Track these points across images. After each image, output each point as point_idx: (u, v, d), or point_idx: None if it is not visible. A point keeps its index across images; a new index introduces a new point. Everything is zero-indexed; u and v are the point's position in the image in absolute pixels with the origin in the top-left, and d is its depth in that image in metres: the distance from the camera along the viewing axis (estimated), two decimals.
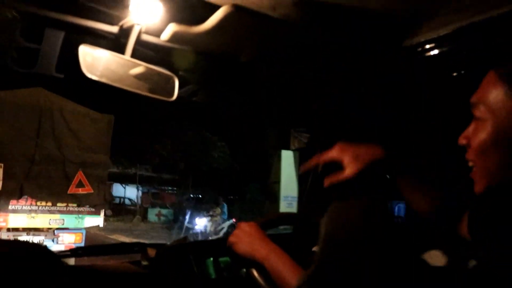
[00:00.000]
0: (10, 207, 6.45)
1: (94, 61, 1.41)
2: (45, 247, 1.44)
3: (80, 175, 6.63)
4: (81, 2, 1.34)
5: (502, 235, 0.72)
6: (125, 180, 24.40)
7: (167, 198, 25.51)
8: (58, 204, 6.70)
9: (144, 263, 1.60)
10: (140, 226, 19.84)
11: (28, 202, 6.62)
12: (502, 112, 0.81)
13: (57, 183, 6.49)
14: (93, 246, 2.17)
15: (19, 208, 6.57)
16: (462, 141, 0.89)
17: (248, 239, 1.26)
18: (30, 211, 6.66)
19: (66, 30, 1.43)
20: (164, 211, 22.15)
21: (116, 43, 1.46)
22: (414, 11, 1.38)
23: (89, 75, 1.39)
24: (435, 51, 1.47)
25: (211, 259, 1.60)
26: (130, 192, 25.73)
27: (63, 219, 6.70)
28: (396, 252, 0.93)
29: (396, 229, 0.97)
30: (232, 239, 1.30)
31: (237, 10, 1.36)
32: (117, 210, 21.51)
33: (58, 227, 6.62)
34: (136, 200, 24.75)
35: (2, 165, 6.05)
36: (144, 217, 21.94)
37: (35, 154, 6.38)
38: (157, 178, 24.72)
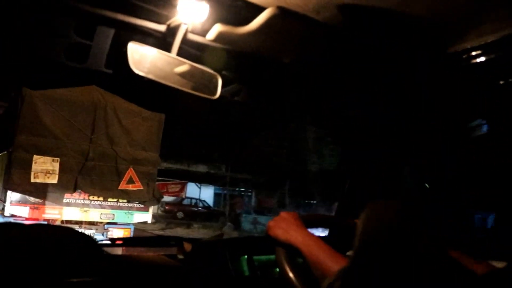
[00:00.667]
0: (64, 201, 6.89)
1: (142, 58, 1.50)
2: (89, 236, 1.54)
3: (130, 172, 6.84)
4: (131, 1, 1.42)
5: None
6: (208, 180, 22.74)
7: (264, 202, 23.31)
8: (109, 199, 7.07)
9: (180, 256, 1.68)
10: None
11: (82, 196, 7.01)
12: None
13: (109, 179, 6.73)
14: (132, 237, 2.29)
15: (72, 202, 7.01)
16: None
17: (285, 225, 1.28)
18: (83, 205, 7.05)
19: (116, 28, 1.53)
20: (262, 219, 19.24)
21: (163, 41, 1.55)
22: (460, 17, 1.37)
23: (136, 71, 1.48)
24: (482, 58, 1.45)
25: (246, 256, 1.65)
26: (205, 194, 24.20)
27: (113, 214, 7.03)
28: (428, 254, 0.94)
29: (430, 232, 0.98)
30: (270, 223, 1.32)
31: (281, 12, 1.40)
32: (192, 214, 20.29)
33: (109, 222, 6.87)
34: (213, 204, 23.37)
35: (59, 159, 6.33)
36: (236, 225, 19.35)
37: (89, 150, 6.62)
38: (252, 179, 22.09)
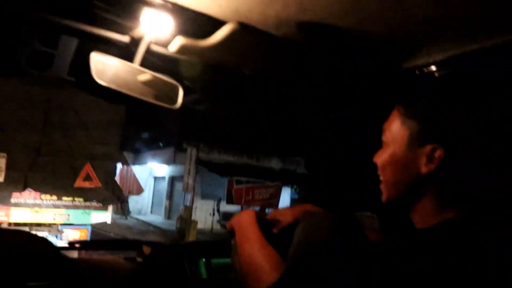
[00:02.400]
0: (12, 201, 6.72)
1: (104, 67, 1.68)
2: (45, 239, 1.71)
3: (87, 168, 6.79)
4: (96, 12, 1.61)
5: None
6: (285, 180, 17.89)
7: None
8: (64, 198, 6.99)
9: (139, 259, 1.88)
10: None
11: (32, 196, 6.84)
12: (397, 138, 1.14)
13: (63, 175, 6.64)
14: (90, 240, 2.47)
15: (22, 202, 6.87)
16: (374, 159, 1.23)
17: (237, 218, 1.45)
18: (34, 205, 6.89)
19: (80, 37, 1.71)
20: None
21: (126, 52, 1.74)
22: (412, 37, 1.61)
23: (98, 81, 1.67)
24: (432, 75, 1.71)
25: (203, 260, 1.86)
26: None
27: (69, 214, 6.96)
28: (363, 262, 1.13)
29: (366, 241, 1.18)
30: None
31: (241, 27, 1.61)
32: None
33: (63, 223, 6.84)
34: None
35: (5, 155, 6.27)
36: None
37: (41, 145, 6.48)
38: None
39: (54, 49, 1.67)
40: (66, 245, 1.89)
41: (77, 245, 1.90)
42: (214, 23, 1.63)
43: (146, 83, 1.79)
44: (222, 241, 1.53)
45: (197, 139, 15.42)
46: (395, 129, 1.16)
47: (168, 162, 21.74)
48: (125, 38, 1.71)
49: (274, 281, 1.13)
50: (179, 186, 22.12)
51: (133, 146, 23.33)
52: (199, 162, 15.50)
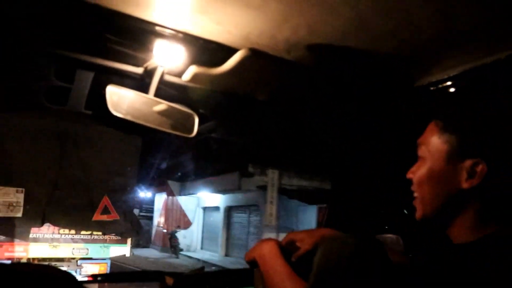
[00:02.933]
0: (31, 236, 6.75)
1: (120, 99, 1.76)
2: (67, 272, 1.76)
3: (105, 201, 6.82)
4: (110, 46, 1.69)
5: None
6: None
7: None
8: (82, 232, 7.07)
9: None
10: None
11: (50, 230, 6.94)
12: (435, 153, 1.15)
13: (81, 209, 6.66)
14: (113, 273, 2.52)
15: (40, 237, 6.92)
16: (409, 175, 1.23)
17: (258, 249, 1.50)
18: (53, 239, 6.98)
19: (95, 71, 1.79)
20: None
21: (141, 83, 1.82)
22: (425, 54, 1.66)
23: (115, 113, 1.74)
24: (446, 90, 1.75)
25: None
26: None
27: (87, 248, 7.04)
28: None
29: (389, 266, 1.20)
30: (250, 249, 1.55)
31: (253, 53, 1.68)
32: None
33: (82, 257, 6.89)
34: None
35: (23, 190, 6.39)
36: None
37: (58, 178, 6.54)
38: None
39: (71, 83, 1.75)
40: (89, 279, 1.95)
41: (99, 278, 1.95)
42: (226, 51, 1.70)
43: (162, 113, 1.85)
44: (246, 269, 1.57)
45: (262, 162, 14.56)
46: (433, 144, 1.16)
47: (229, 189, 19.14)
48: (139, 70, 1.78)
49: None
50: (237, 217, 20.80)
51: (179, 175, 22.54)
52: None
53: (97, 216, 6.87)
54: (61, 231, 6.99)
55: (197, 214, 23.71)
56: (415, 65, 1.73)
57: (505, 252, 1.01)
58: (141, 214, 27.09)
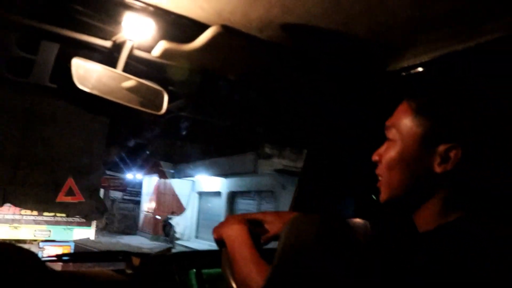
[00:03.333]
0: None
1: (86, 73, 1.73)
2: (31, 251, 1.75)
3: (70, 182, 6.76)
4: (77, 17, 1.66)
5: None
6: None
7: None
8: (45, 214, 7.00)
9: (128, 271, 1.92)
10: None
11: (11, 211, 6.91)
12: (408, 136, 1.14)
13: (45, 190, 6.58)
14: (78, 252, 2.51)
15: (0, 218, 6.89)
16: (375, 157, 1.24)
17: (224, 224, 1.51)
18: (13, 220, 6.92)
19: (61, 43, 1.76)
20: None
21: (109, 57, 1.79)
22: (398, 38, 1.68)
23: (81, 87, 1.72)
24: (417, 76, 1.78)
25: (194, 270, 1.91)
26: None
27: (50, 230, 6.98)
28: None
29: (356, 245, 1.21)
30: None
31: (225, 31, 1.67)
32: None
33: (44, 239, 6.85)
34: None
35: None
36: None
37: (20, 156, 6.47)
38: None
39: (34, 55, 1.72)
40: (53, 258, 1.93)
41: (64, 258, 1.94)
42: (198, 27, 1.68)
43: (130, 89, 1.84)
44: (213, 251, 1.58)
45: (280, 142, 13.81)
46: (405, 126, 1.16)
47: (241, 172, 17.38)
48: (107, 43, 1.76)
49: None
50: (244, 204, 19.12)
51: (172, 156, 21.07)
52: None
53: (61, 198, 6.80)
54: (23, 212, 6.94)
55: (191, 200, 22.28)
56: (388, 49, 1.75)
57: (461, 237, 1.02)
58: (125, 197, 26.03)
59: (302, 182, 2.41)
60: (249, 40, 1.72)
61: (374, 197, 2.20)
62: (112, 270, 1.96)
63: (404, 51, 1.75)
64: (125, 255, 1.99)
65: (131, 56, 1.79)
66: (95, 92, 1.75)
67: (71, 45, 1.76)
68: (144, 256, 2.01)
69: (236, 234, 1.44)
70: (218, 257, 1.52)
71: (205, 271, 1.95)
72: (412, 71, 1.79)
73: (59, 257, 1.93)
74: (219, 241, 1.51)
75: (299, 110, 2.21)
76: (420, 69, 1.78)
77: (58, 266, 1.83)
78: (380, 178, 1.23)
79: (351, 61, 1.82)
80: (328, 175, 2.34)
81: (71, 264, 1.98)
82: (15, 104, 6.35)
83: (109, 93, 1.79)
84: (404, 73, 1.81)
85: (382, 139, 1.24)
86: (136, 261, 1.96)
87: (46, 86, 1.81)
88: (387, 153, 1.19)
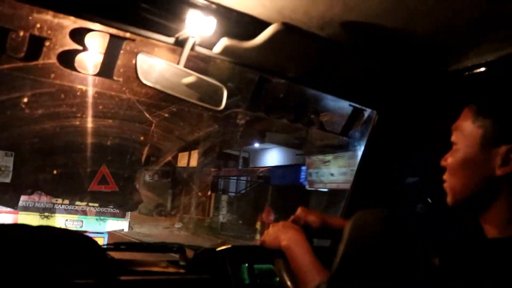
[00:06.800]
0: (20, 204, 6.93)
1: (150, 68, 1.99)
2: (91, 238, 2.00)
3: (103, 170, 6.96)
4: (142, 14, 1.91)
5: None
6: None
7: None
8: (77, 203, 7.23)
9: (182, 263, 2.18)
10: None
11: (42, 199, 7.11)
12: (469, 137, 1.25)
13: (77, 178, 6.78)
14: (135, 242, 2.79)
15: (31, 206, 7.06)
16: (443, 163, 1.35)
17: (277, 231, 1.65)
18: (44, 209, 7.13)
19: (126, 39, 2.02)
20: None
21: (171, 53, 2.05)
22: (461, 37, 1.84)
23: (144, 81, 1.98)
24: (481, 76, 1.94)
25: (246, 265, 2.15)
26: None
27: (82, 221, 7.18)
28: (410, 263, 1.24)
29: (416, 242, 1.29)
30: (266, 231, 1.72)
31: (286, 28, 1.87)
32: None
33: (76, 230, 7.08)
34: None
35: (13, 153, 6.54)
36: None
37: (53, 143, 6.65)
38: None
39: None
40: (111, 246, 2.21)
41: (122, 247, 2.22)
42: (259, 24, 1.90)
43: (191, 84, 2.09)
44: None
45: None
46: (467, 129, 1.25)
47: None
48: (170, 40, 2.00)
49: (324, 280, 1.31)
50: None
51: None
52: None
53: (94, 186, 7.04)
54: (54, 200, 7.09)
55: None
56: (450, 49, 1.92)
57: None
58: None
59: (358, 181, 2.61)
60: (309, 37, 1.92)
61: (429, 200, 2.39)
62: (166, 261, 2.23)
63: (468, 50, 1.90)
64: (179, 247, 2.25)
65: (192, 53, 2.03)
66: (157, 86, 2.00)
67: (136, 41, 2.01)
68: (197, 248, 2.28)
69: (296, 243, 1.57)
70: (271, 253, 1.69)
71: (256, 266, 2.18)
72: (476, 71, 1.95)
73: (116, 246, 2.20)
74: (273, 250, 1.66)
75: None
76: (483, 69, 1.93)
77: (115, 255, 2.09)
78: (445, 184, 1.34)
79: (411, 60, 2.01)
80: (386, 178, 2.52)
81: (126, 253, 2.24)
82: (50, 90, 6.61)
83: (170, 88, 2.04)
84: (467, 73, 1.97)
85: (445, 140, 1.37)
86: (190, 253, 2.22)
87: (112, 80, 2.07)
88: (451, 158, 1.30)
